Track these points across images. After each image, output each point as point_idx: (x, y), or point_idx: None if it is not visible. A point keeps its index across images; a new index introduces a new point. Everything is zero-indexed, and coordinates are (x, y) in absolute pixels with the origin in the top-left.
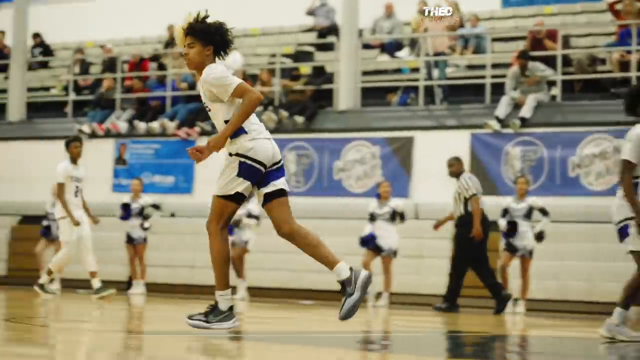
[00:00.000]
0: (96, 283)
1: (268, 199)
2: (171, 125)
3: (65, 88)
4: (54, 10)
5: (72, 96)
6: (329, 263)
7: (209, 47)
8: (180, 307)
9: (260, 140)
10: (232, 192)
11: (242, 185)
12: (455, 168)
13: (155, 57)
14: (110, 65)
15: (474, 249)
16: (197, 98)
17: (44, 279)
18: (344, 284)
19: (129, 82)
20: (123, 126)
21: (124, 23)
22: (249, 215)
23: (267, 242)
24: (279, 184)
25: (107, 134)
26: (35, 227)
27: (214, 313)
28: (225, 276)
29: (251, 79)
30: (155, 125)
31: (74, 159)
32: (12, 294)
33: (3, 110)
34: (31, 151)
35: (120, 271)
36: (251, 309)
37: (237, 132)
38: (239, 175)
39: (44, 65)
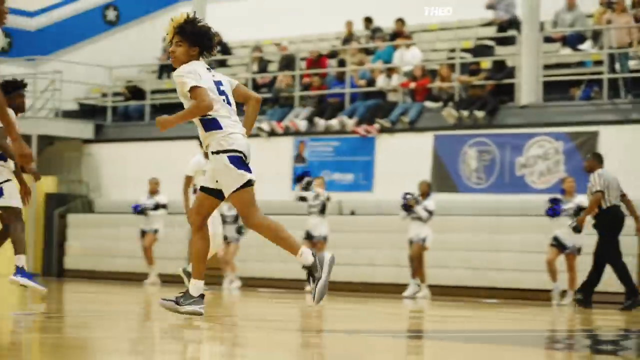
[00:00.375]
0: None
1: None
2: (350, 123)
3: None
4: (231, 8)
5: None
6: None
7: (195, 48)
8: (361, 305)
9: (235, 135)
10: (245, 180)
11: (246, 174)
12: (588, 164)
13: (333, 54)
14: (288, 62)
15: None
16: (376, 94)
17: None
18: (310, 269)
19: (307, 79)
20: (302, 124)
21: (301, 20)
22: (426, 210)
23: (448, 239)
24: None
25: (286, 132)
26: None
27: (184, 297)
28: (204, 267)
29: (430, 74)
30: (334, 122)
31: (206, 154)
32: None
33: (173, 110)
34: None
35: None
36: (433, 307)
37: (212, 126)
38: (237, 168)
39: (222, 63)
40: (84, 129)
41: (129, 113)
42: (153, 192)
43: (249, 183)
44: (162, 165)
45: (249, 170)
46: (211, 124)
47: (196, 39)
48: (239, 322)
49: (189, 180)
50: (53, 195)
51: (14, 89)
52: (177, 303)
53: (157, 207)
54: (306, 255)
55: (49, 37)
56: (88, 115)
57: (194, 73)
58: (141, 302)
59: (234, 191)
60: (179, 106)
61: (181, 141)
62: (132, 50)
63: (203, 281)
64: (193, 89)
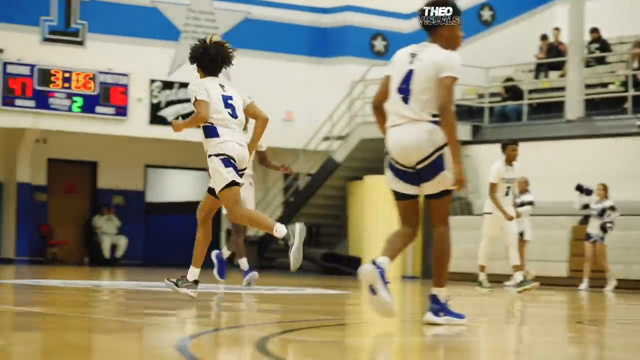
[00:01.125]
0: (518, 277)
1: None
2: None
3: (624, 83)
4: (610, 4)
5: (631, 92)
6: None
7: (195, 65)
8: None
9: (230, 143)
10: (230, 180)
11: (234, 173)
12: None
13: None
14: None
15: None
16: None
17: (482, 276)
18: (285, 239)
19: None
20: None
21: None
22: None
23: None
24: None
25: None
26: None
27: (182, 280)
28: (202, 256)
29: None
30: None
31: (509, 161)
32: (574, 295)
33: (561, 108)
34: (588, 149)
35: None
36: None
37: (211, 134)
38: (227, 166)
39: (600, 60)
40: (462, 130)
41: (507, 113)
42: (522, 191)
43: (234, 183)
44: (535, 165)
45: (236, 172)
46: (210, 132)
47: (193, 56)
48: (609, 325)
49: (492, 187)
50: None
51: None
52: (176, 284)
53: (522, 204)
54: (280, 229)
55: (422, 39)
56: (465, 116)
57: (200, 87)
58: (511, 304)
59: (221, 190)
60: (556, 105)
61: (577, 140)
62: (508, 50)
63: (199, 269)
64: (196, 101)
